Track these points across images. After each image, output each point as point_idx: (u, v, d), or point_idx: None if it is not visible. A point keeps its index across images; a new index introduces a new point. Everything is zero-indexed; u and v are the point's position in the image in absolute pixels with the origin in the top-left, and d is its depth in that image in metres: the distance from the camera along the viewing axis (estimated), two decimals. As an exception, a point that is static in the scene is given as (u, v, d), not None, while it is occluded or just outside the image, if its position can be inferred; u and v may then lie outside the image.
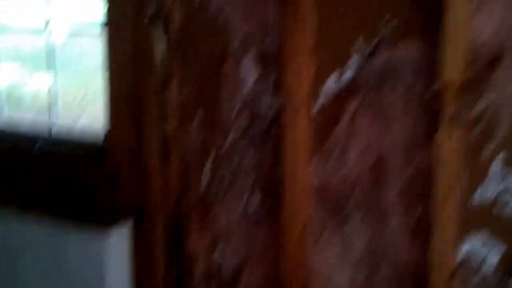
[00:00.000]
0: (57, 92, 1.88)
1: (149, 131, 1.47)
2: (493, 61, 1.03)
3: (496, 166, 1.06)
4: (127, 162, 1.55)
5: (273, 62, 1.26)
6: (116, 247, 1.49)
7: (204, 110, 1.38)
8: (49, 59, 1.85)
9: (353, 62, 1.16)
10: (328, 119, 1.21)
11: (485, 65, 1.04)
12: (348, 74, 1.17)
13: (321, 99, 1.21)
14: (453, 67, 1.03)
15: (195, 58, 1.37)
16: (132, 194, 1.53)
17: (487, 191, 1.07)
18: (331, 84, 1.20)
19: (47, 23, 1.81)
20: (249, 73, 1.30)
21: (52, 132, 1.88)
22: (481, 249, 1.09)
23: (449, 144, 1.05)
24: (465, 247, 1.09)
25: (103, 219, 1.51)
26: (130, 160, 1.55)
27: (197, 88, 1.38)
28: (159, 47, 1.42)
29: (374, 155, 1.17)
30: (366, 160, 1.18)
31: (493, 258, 1.08)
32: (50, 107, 1.93)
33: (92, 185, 1.57)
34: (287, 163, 1.23)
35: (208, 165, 1.40)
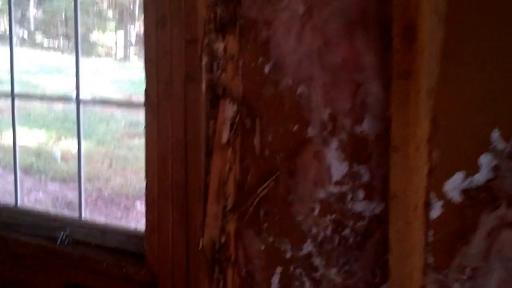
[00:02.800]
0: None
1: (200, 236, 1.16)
2: None
3: None
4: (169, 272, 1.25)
5: (367, 156, 0.95)
6: None
7: (272, 211, 1.06)
8: (75, 126, 1.56)
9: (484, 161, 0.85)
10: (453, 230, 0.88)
11: None
12: (479, 176, 0.86)
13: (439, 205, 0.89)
14: None
15: (260, 145, 1.06)
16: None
17: None
18: (454, 186, 0.88)
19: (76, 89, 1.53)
20: (333, 167, 0.99)
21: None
22: None
23: None
24: None
25: None
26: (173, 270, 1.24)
27: (262, 182, 1.07)
28: (211, 128, 1.13)
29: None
30: None
31: None
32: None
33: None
34: None
35: (276, 279, 1.08)
